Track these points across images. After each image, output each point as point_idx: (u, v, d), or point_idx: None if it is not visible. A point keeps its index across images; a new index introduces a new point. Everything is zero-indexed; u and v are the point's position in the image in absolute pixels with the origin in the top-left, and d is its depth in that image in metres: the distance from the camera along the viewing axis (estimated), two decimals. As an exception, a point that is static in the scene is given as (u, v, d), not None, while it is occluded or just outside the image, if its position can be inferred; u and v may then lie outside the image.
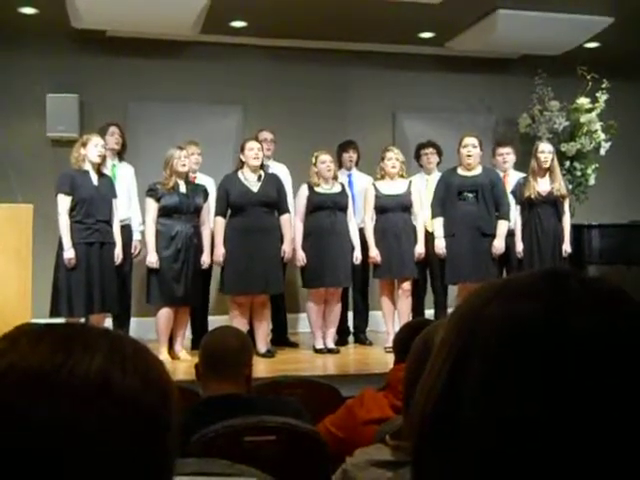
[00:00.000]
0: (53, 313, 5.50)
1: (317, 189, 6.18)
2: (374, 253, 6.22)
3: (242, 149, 6.11)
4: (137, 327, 6.56)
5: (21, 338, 0.68)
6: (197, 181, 6.28)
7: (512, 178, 6.63)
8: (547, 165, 6.32)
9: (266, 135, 6.77)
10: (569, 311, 0.57)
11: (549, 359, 0.55)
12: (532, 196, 6.26)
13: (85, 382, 0.64)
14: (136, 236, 6.29)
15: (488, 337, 0.58)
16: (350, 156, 6.98)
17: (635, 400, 0.53)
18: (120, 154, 6.46)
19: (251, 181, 6.03)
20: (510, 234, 6.31)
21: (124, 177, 6.38)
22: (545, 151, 6.36)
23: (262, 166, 6.15)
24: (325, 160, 6.20)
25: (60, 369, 0.64)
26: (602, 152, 7.86)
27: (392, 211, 6.27)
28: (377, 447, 1.67)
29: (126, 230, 6.15)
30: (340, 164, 6.94)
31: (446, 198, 6.26)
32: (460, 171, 6.31)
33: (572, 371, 0.54)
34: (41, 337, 0.68)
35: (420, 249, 6.31)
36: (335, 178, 6.29)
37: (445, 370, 0.59)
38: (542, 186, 6.31)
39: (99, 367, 0.65)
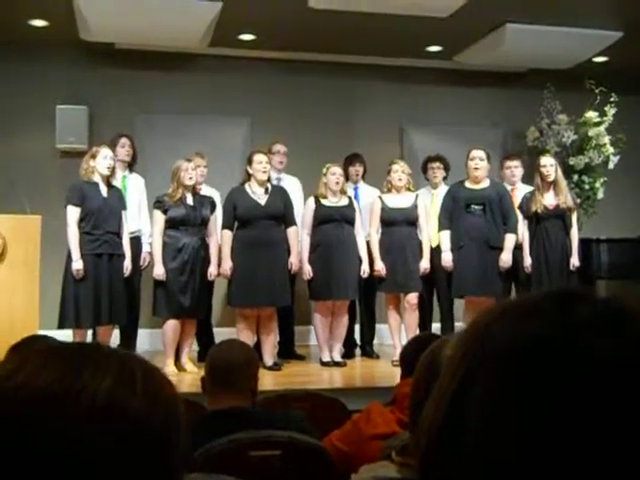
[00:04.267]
0: (61, 324, 5.50)
1: (324, 202, 6.18)
2: (379, 266, 6.21)
3: (250, 161, 6.10)
4: (146, 339, 6.57)
5: (31, 357, 0.68)
6: (204, 193, 6.28)
7: (520, 191, 6.62)
8: (551, 178, 6.30)
9: (279, 148, 6.79)
10: (576, 332, 0.56)
11: (553, 381, 0.54)
12: (539, 210, 6.24)
13: (93, 404, 0.64)
14: (145, 248, 6.29)
15: (492, 358, 0.57)
16: (356, 169, 6.98)
17: None
18: (131, 165, 6.47)
19: (258, 194, 6.03)
20: (518, 248, 6.29)
21: (134, 188, 6.39)
22: (547, 164, 6.35)
23: (269, 179, 6.16)
24: (335, 172, 6.20)
25: (68, 391, 0.64)
26: (611, 166, 7.84)
27: (398, 225, 6.26)
28: (383, 464, 1.65)
29: (136, 242, 6.16)
30: (347, 177, 6.94)
31: (453, 211, 6.25)
32: (468, 184, 6.31)
33: (578, 395, 0.53)
34: (52, 357, 0.68)
35: (425, 264, 6.29)
36: (343, 192, 6.28)
37: (451, 390, 0.59)
38: (548, 200, 6.30)
39: (107, 389, 0.65)
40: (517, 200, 6.48)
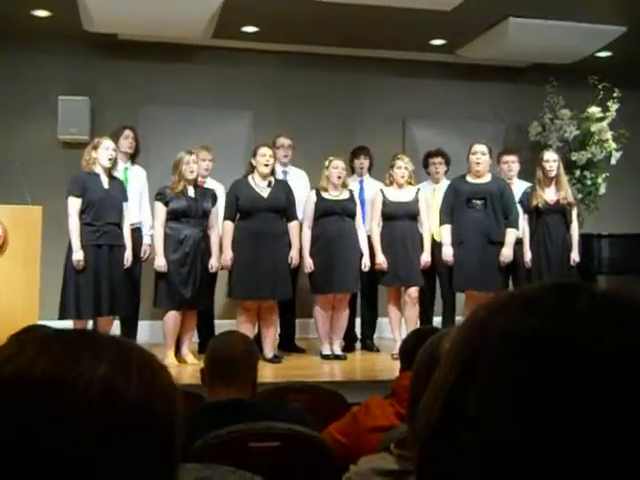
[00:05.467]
0: (61, 315, 5.51)
1: (325, 195, 6.18)
2: (381, 260, 6.21)
3: (254, 154, 6.10)
4: (146, 330, 6.58)
5: (28, 344, 0.68)
6: (206, 186, 6.28)
7: (517, 186, 6.59)
8: (553, 174, 6.30)
9: (284, 141, 6.77)
10: (575, 326, 0.55)
11: (552, 375, 0.54)
12: (539, 205, 6.24)
13: (88, 391, 0.64)
14: (146, 240, 6.30)
15: (491, 351, 0.57)
16: (361, 162, 6.97)
17: None
18: (133, 157, 6.47)
19: (261, 186, 6.02)
20: (518, 243, 6.28)
21: (136, 180, 6.38)
22: (550, 160, 6.34)
23: (273, 172, 6.15)
24: (337, 166, 6.19)
25: (64, 377, 0.64)
26: (613, 161, 7.83)
27: (399, 219, 6.26)
28: (382, 456, 1.66)
29: (136, 233, 6.16)
30: (352, 170, 6.94)
31: (455, 205, 6.24)
32: (469, 178, 6.30)
33: (577, 389, 0.53)
34: (48, 344, 0.68)
35: (426, 257, 6.29)
36: (345, 186, 6.26)
37: (448, 384, 0.58)
38: (549, 195, 6.29)
39: (103, 376, 0.65)
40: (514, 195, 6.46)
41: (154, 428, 0.67)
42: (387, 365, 5.77)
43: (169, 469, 0.70)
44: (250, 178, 6.07)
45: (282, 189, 6.10)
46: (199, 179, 6.17)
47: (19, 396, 0.63)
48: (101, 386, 0.64)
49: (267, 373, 5.34)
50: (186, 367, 5.67)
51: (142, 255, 6.26)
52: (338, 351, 6.24)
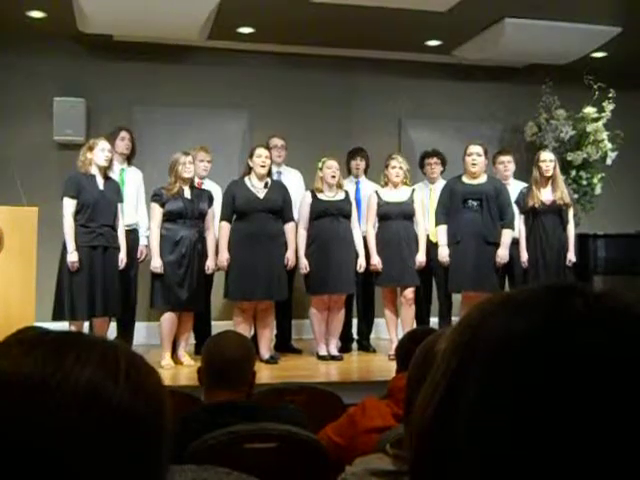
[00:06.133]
0: (56, 316, 5.50)
1: (320, 196, 6.18)
2: (375, 261, 6.21)
3: (250, 155, 6.10)
4: (143, 332, 6.57)
5: (15, 345, 0.68)
6: (203, 187, 6.28)
7: (512, 187, 6.59)
8: (549, 174, 6.30)
9: (277, 142, 6.77)
10: (570, 328, 0.55)
11: (546, 377, 0.53)
12: (536, 205, 6.24)
13: (74, 392, 0.64)
14: (143, 241, 6.28)
15: (485, 353, 0.57)
16: (357, 163, 6.96)
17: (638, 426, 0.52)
18: (129, 159, 6.46)
19: (257, 187, 6.02)
20: (514, 243, 6.28)
21: (132, 181, 6.38)
22: (547, 160, 6.34)
23: (270, 173, 6.15)
24: (331, 166, 6.19)
25: (50, 379, 0.64)
26: (608, 162, 7.84)
27: (394, 219, 6.25)
28: (378, 456, 1.66)
29: (133, 235, 6.15)
30: (349, 171, 6.94)
31: (451, 206, 6.24)
32: (465, 179, 6.30)
33: (572, 391, 0.53)
34: (34, 345, 0.67)
35: (421, 258, 6.29)
36: (340, 187, 6.26)
37: (443, 384, 0.58)
38: (545, 195, 6.30)
39: (89, 377, 0.65)
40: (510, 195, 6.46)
41: (141, 430, 0.66)
42: (383, 366, 5.77)
43: (156, 472, 0.69)
44: (247, 179, 6.07)
45: (278, 190, 6.10)
46: (197, 180, 6.17)
47: (4, 397, 0.63)
48: (87, 388, 0.64)
49: (263, 374, 5.33)
50: (182, 369, 5.67)
51: (139, 256, 6.25)
52: (334, 352, 6.24)
